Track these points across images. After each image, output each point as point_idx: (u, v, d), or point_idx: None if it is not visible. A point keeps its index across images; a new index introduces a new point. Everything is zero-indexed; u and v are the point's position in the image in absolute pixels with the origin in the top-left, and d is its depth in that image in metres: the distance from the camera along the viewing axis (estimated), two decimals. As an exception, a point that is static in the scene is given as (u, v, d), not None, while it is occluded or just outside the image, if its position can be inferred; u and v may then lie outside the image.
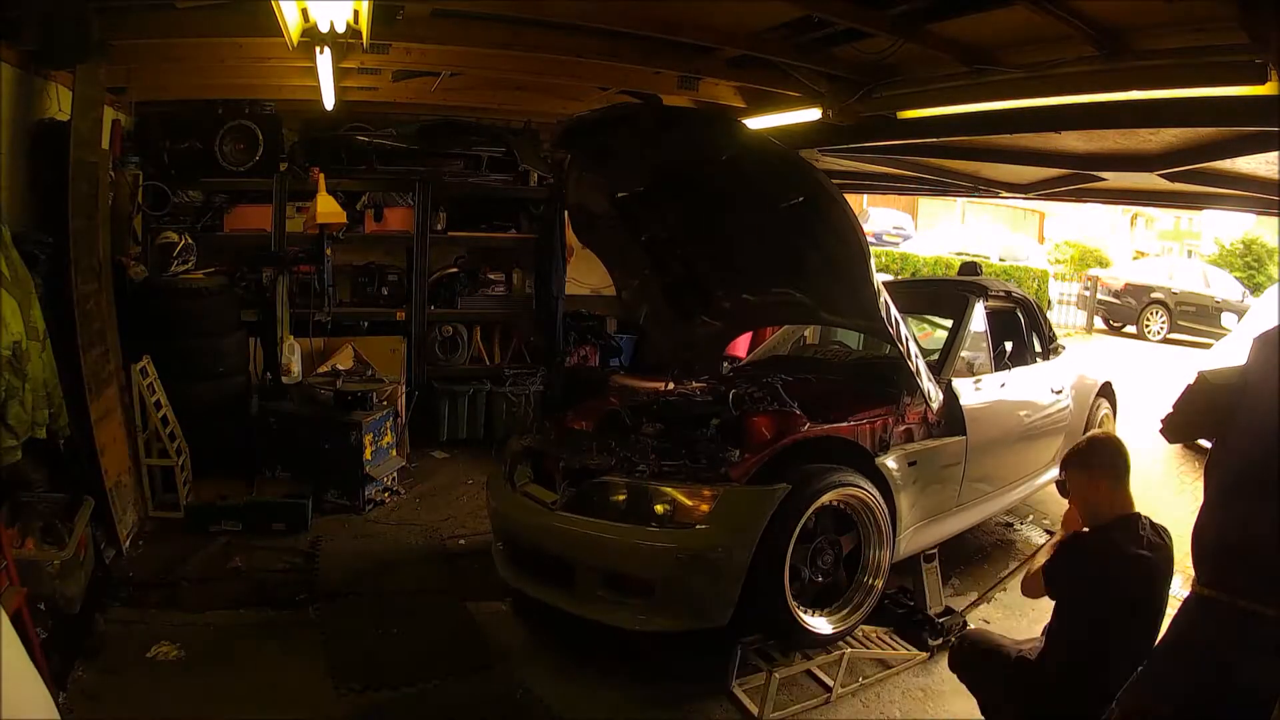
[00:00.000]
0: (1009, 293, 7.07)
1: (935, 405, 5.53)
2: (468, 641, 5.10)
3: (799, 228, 5.06)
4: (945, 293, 6.78)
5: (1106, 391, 7.73)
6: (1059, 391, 6.94)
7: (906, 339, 5.19)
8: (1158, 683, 3.13)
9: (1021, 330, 6.96)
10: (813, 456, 4.90)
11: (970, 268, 8.52)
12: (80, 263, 5.54)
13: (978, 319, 6.31)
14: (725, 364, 7.10)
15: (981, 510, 6.21)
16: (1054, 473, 6.90)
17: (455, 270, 9.28)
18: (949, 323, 6.52)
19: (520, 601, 5.41)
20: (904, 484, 5.27)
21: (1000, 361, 6.36)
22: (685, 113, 4.76)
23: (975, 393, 5.96)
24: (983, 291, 6.50)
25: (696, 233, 6.08)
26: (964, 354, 6.15)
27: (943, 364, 5.92)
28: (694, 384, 6.81)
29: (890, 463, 5.20)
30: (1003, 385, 6.26)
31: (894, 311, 5.04)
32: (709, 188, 5.44)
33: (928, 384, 5.40)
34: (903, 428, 5.44)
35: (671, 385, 6.56)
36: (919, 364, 5.31)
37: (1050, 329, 7.36)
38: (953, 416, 5.74)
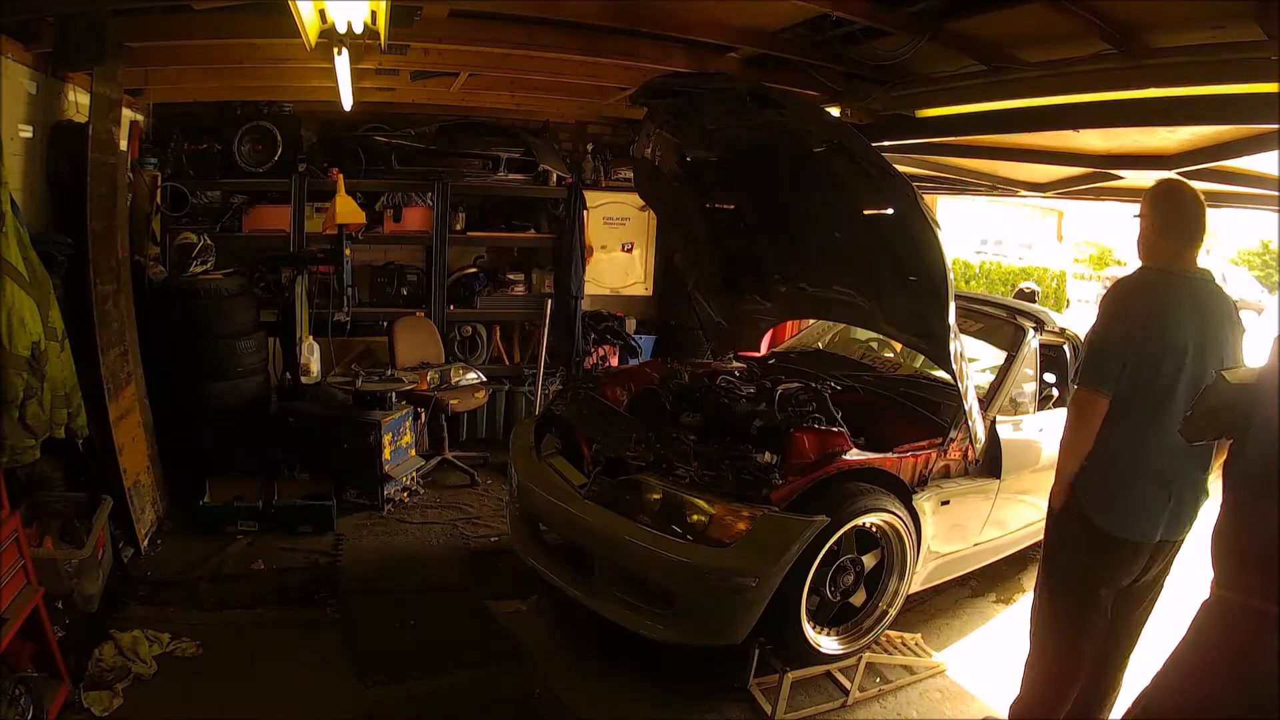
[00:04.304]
0: (1063, 329, 6.63)
1: (979, 447, 5.26)
2: (487, 639, 5.10)
3: (880, 237, 4.97)
4: (999, 319, 6.33)
5: None
6: None
7: (967, 377, 4.90)
8: (1175, 686, 3.11)
9: (1066, 368, 6.58)
10: (851, 474, 4.76)
11: (1027, 293, 8.38)
12: (99, 263, 5.56)
13: (1031, 355, 5.99)
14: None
15: (994, 552, 5.97)
16: None
17: (474, 270, 9.29)
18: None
19: (539, 600, 5.45)
20: (934, 522, 5.10)
21: (1044, 403, 6.14)
22: (786, 96, 4.64)
23: (1014, 433, 5.68)
24: (1040, 325, 6.13)
25: (764, 212, 5.97)
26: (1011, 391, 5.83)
27: (991, 399, 5.61)
28: (732, 362, 6.75)
29: (926, 501, 5.02)
30: (1041, 430, 5.89)
31: (961, 347, 4.76)
32: (789, 172, 5.36)
33: (978, 426, 5.10)
34: (943, 463, 5.25)
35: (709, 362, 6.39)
36: (973, 403, 4.99)
37: None
38: (991, 458, 5.48)
